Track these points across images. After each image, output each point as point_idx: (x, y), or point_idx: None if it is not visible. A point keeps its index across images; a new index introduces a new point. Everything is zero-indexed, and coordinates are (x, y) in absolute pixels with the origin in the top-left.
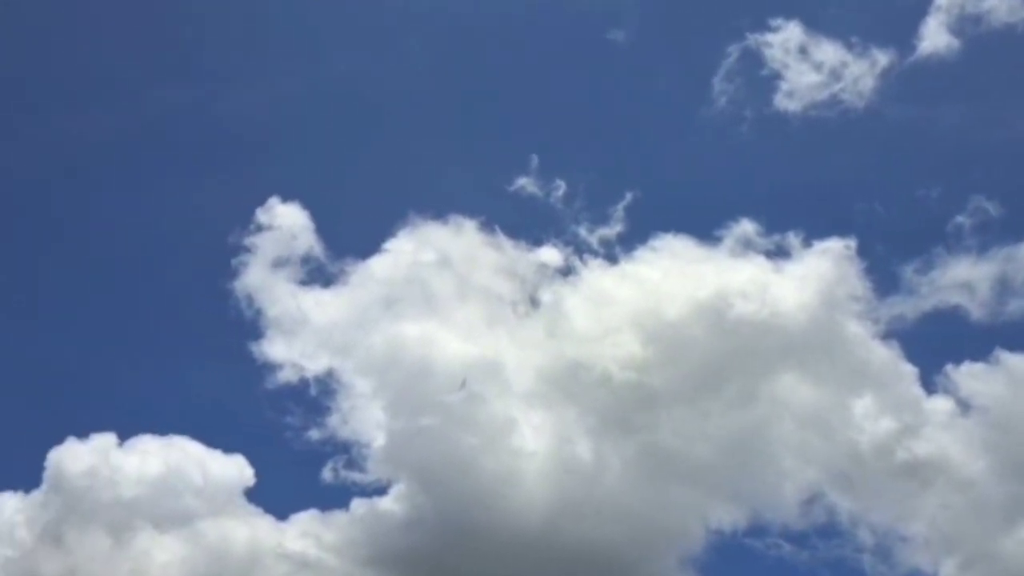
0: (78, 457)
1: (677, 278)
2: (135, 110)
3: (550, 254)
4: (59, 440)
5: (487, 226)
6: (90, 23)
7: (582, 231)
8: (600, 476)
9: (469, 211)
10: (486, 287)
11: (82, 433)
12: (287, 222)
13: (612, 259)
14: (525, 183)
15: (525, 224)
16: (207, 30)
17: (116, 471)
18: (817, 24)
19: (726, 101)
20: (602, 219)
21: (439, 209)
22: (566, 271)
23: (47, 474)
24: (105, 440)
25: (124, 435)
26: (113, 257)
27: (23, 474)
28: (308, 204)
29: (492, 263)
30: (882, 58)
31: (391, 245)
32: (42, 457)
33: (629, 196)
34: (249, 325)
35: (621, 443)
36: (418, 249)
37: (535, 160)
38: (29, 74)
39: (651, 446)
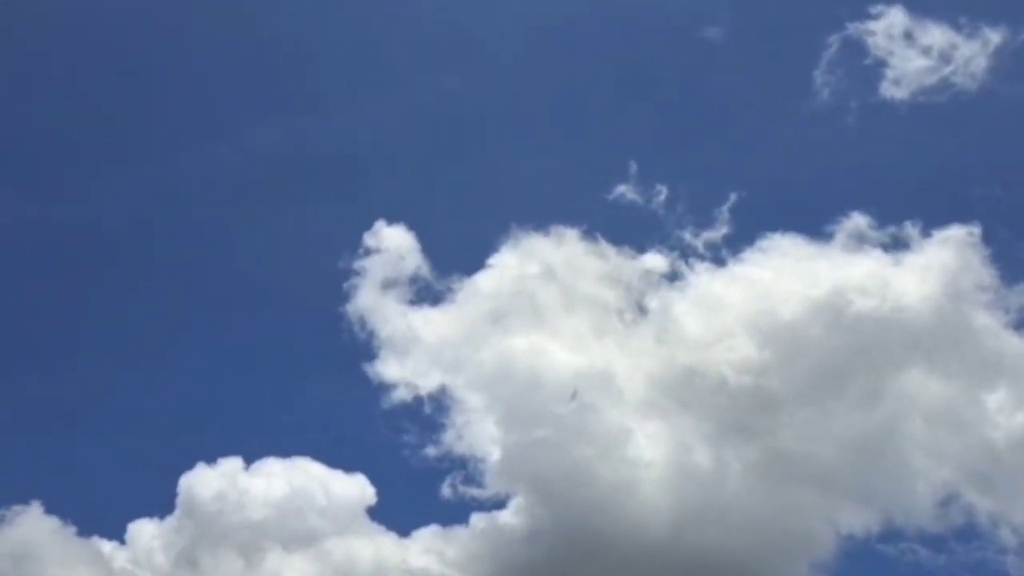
0: (207, 482)
1: (789, 277)
2: (242, 143)
3: (655, 260)
4: (189, 466)
5: (589, 235)
6: (194, 61)
7: (687, 235)
8: (722, 483)
9: (570, 221)
10: (592, 296)
11: (210, 458)
12: (394, 244)
13: (719, 262)
14: (625, 190)
15: (627, 231)
16: (305, 61)
17: (244, 494)
18: (921, 8)
19: (829, 93)
20: (707, 222)
21: (540, 220)
22: (672, 276)
23: (179, 499)
24: (232, 464)
25: (250, 459)
26: (232, 288)
27: (158, 500)
28: (413, 225)
29: (596, 271)
30: (994, 36)
31: (495, 260)
32: (174, 483)
33: (733, 197)
34: (363, 347)
35: (742, 448)
36: (522, 262)
37: (634, 166)
38: (142, 111)
39: (773, 450)
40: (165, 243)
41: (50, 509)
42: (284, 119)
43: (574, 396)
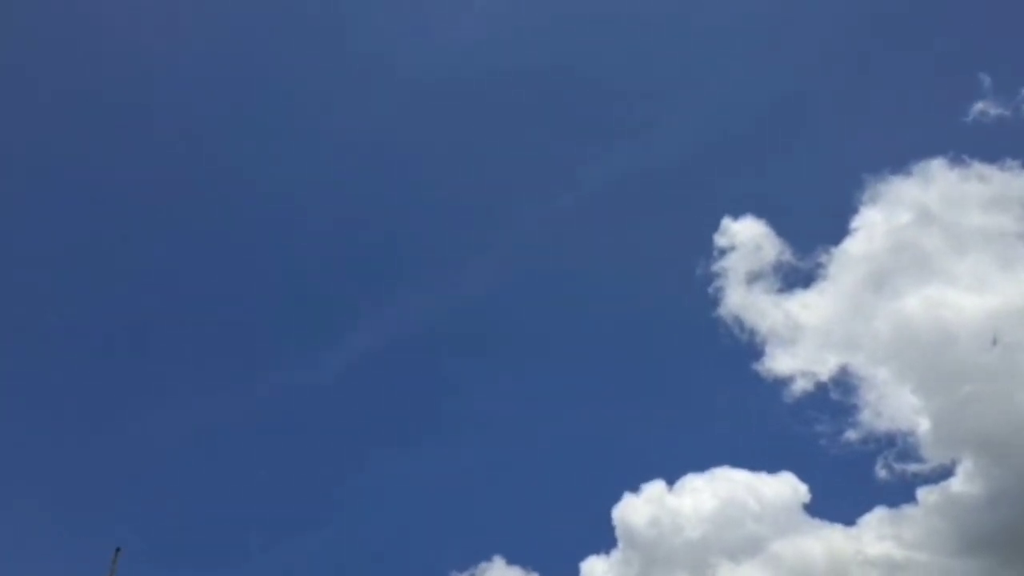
0: (638, 509)
1: None
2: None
3: None
4: (617, 497)
5: (957, 161)
6: None
7: None
8: None
9: (930, 152)
10: (981, 227)
11: (634, 486)
12: (746, 236)
13: None
14: (983, 106)
15: (997, 148)
16: None
17: (675, 515)
18: None
19: None
20: None
21: (897, 163)
22: None
23: (617, 532)
24: (656, 488)
25: (671, 479)
26: (599, 314)
27: (599, 536)
28: (760, 212)
29: (978, 199)
30: None
31: (858, 221)
32: (608, 517)
33: None
34: (746, 347)
35: None
36: (889, 214)
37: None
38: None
39: None
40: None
41: (511, 560)
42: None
43: (995, 341)
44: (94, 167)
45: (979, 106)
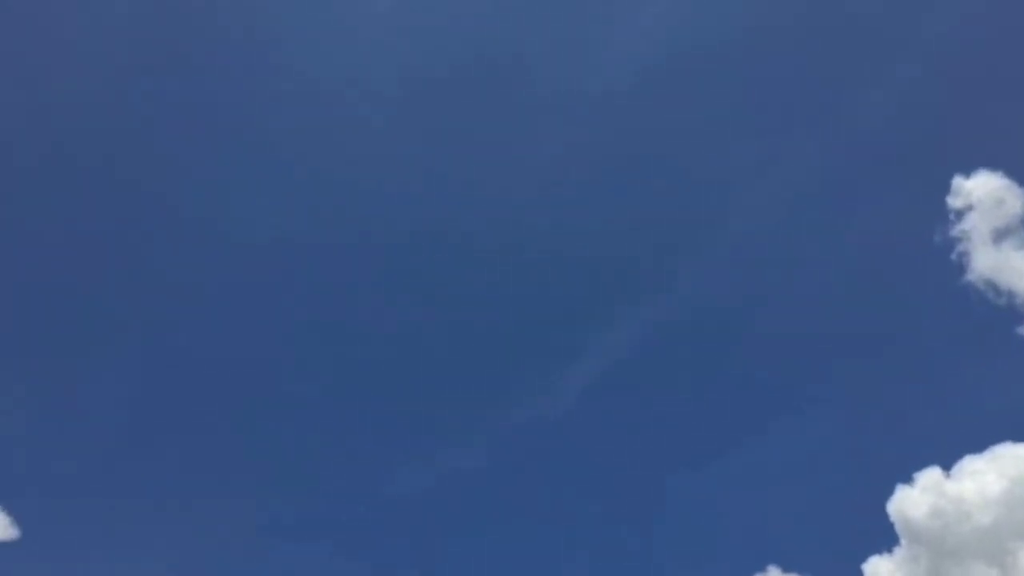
0: (915, 501)
1: None
2: None
3: None
4: (890, 491)
5: None
6: None
7: None
8: None
9: None
10: None
11: (906, 478)
12: (984, 193)
13: None
14: None
15: None
16: None
17: (960, 502)
18: None
19: None
20: None
21: None
22: None
23: (897, 528)
24: (932, 476)
25: (947, 464)
26: (837, 305)
27: (878, 534)
28: (994, 164)
29: None
30: None
31: None
32: (883, 513)
33: None
34: (1005, 311)
35: None
36: None
37: None
38: None
39: None
40: None
41: (787, 567)
42: None
43: None
44: None
45: None
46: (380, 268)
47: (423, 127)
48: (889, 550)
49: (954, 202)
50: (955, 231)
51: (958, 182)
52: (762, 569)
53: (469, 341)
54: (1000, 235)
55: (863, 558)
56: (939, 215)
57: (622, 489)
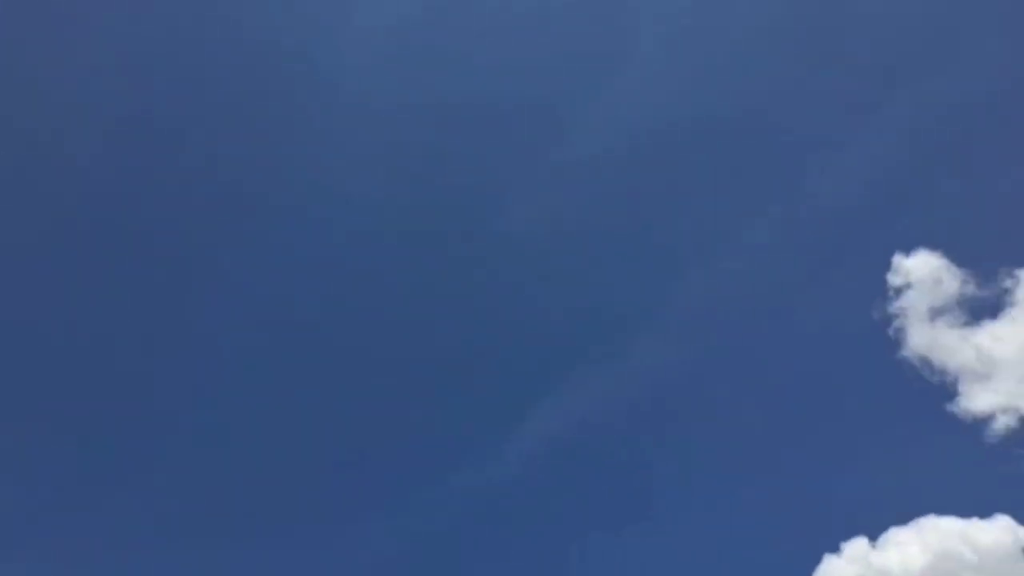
0: (841, 571)
1: None
2: None
3: None
4: (817, 561)
5: None
6: None
7: None
8: None
9: None
10: None
11: (833, 547)
12: (923, 271)
13: None
14: None
15: None
16: None
17: (883, 573)
18: None
19: None
20: None
21: None
22: None
23: None
24: (858, 546)
25: (873, 535)
26: (781, 367)
27: None
28: (933, 244)
29: None
30: None
31: None
32: None
33: None
34: (938, 388)
35: None
36: None
37: None
38: None
39: None
40: None
41: None
42: None
43: None
44: None
45: None
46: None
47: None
48: None
49: (894, 280)
50: (893, 308)
51: (898, 260)
52: None
53: (414, 402)
54: (936, 313)
55: None
56: (879, 292)
57: (554, 553)
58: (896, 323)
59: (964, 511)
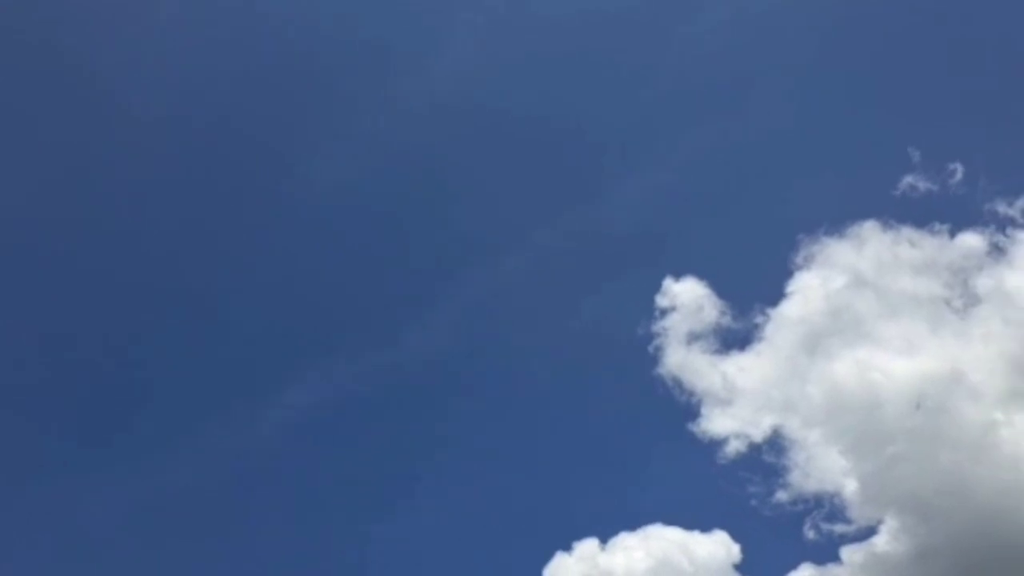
0: (569, 569)
1: None
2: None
3: (971, 240)
4: (548, 557)
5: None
6: None
7: (1000, 207)
8: None
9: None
10: (912, 293)
11: (566, 546)
12: (688, 298)
13: None
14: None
15: (930, 216)
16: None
17: (607, 573)
18: None
19: None
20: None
21: (832, 225)
22: (994, 252)
23: None
24: (589, 546)
25: (604, 537)
26: (540, 372)
27: None
28: (701, 273)
29: (911, 264)
30: None
31: (793, 284)
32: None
33: None
34: (684, 407)
35: None
36: (826, 277)
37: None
38: None
39: None
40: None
41: None
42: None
43: (918, 406)
44: None
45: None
46: None
47: None
48: None
49: (661, 300)
50: (656, 327)
51: (668, 283)
52: None
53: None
54: (693, 337)
55: None
56: (646, 310)
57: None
58: (656, 341)
59: (688, 523)
